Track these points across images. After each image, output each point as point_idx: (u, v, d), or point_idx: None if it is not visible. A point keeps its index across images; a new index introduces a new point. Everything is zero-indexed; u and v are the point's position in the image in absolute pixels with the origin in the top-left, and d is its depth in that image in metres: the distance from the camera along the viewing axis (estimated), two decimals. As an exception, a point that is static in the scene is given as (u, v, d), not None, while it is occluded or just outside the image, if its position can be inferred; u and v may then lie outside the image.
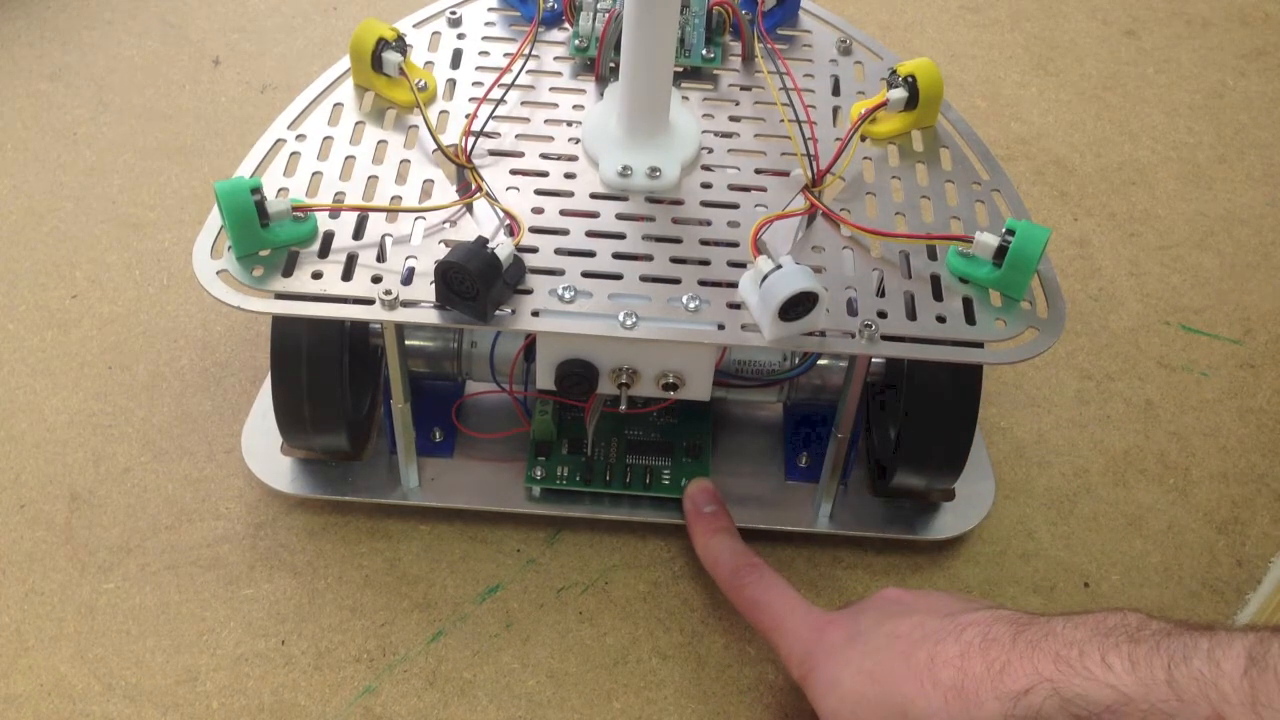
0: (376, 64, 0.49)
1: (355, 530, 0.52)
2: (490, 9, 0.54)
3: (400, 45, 0.49)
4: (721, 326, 0.42)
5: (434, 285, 0.41)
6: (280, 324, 0.46)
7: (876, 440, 0.53)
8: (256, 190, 0.42)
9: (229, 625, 0.49)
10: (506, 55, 0.51)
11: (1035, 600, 0.51)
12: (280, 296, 0.42)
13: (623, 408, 0.47)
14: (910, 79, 0.49)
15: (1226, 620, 0.51)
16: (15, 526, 0.52)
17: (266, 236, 0.43)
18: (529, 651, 0.48)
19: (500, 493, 0.51)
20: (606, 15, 0.50)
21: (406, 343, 0.49)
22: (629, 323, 0.41)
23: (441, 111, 0.49)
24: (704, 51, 0.51)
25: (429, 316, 0.42)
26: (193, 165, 0.69)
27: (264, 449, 0.52)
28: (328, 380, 0.47)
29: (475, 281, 0.40)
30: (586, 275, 0.43)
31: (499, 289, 0.41)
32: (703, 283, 0.43)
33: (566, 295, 0.42)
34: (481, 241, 0.41)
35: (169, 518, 0.52)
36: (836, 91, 0.51)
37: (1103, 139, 0.74)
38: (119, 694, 0.46)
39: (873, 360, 0.48)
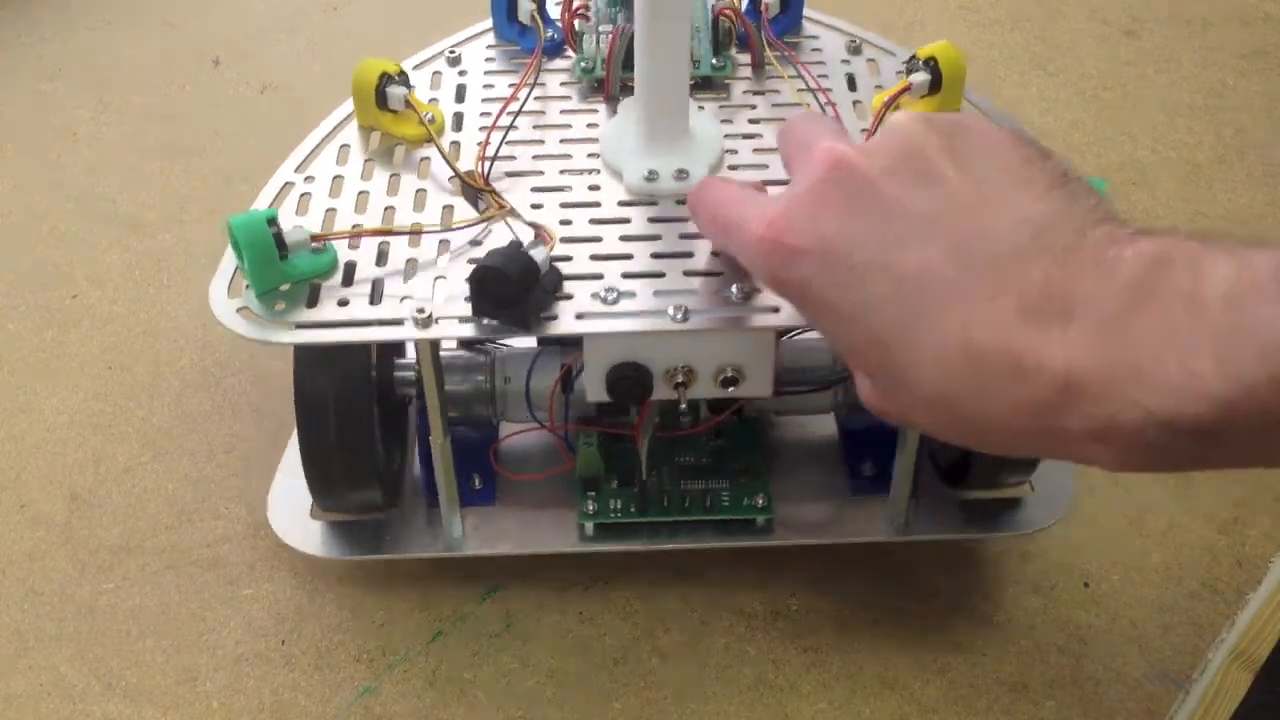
0: (381, 100, 0.47)
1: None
2: (489, 45, 0.53)
3: (404, 79, 0.48)
4: (777, 309, 0.40)
5: (469, 299, 0.40)
6: (304, 375, 0.44)
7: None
8: (273, 221, 0.40)
9: (229, 625, 0.49)
10: (511, 86, 0.50)
11: (1035, 600, 0.51)
12: (302, 326, 0.40)
13: (683, 405, 0.44)
14: (931, 61, 0.48)
15: (1226, 622, 0.51)
16: (15, 526, 0.52)
17: (286, 270, 0.41)
18: (529, 651, 0.48)
19: (551, 534, 0.49)
20: (610, 35, 0.50)
21: None
22: (679, 315, 0.40)
23: (452, 143, 0.48)
24: (713, 61, 0.51)
25: (467, 330, 0.40)
26: (193, 165, 0.69)
27: (291, 514, 0.49)
28: (358, 429, 0.45)
29: (515, 285, 0.38)
30: (627, 276, 0.41)
31: (539, 295, 0.39)
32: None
33: (610, 296, 0.40)
34: (516, 244, 0.39)
35: (169, 518, 0.52)
36: (853, 87, 0.51)
37: (1103, 139, 0.74)
38: (119, 694, 0.46)
39: None
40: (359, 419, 0.44)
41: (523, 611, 0.49)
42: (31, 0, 0.80)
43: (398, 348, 0.50)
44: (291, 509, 0.49)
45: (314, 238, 0.42)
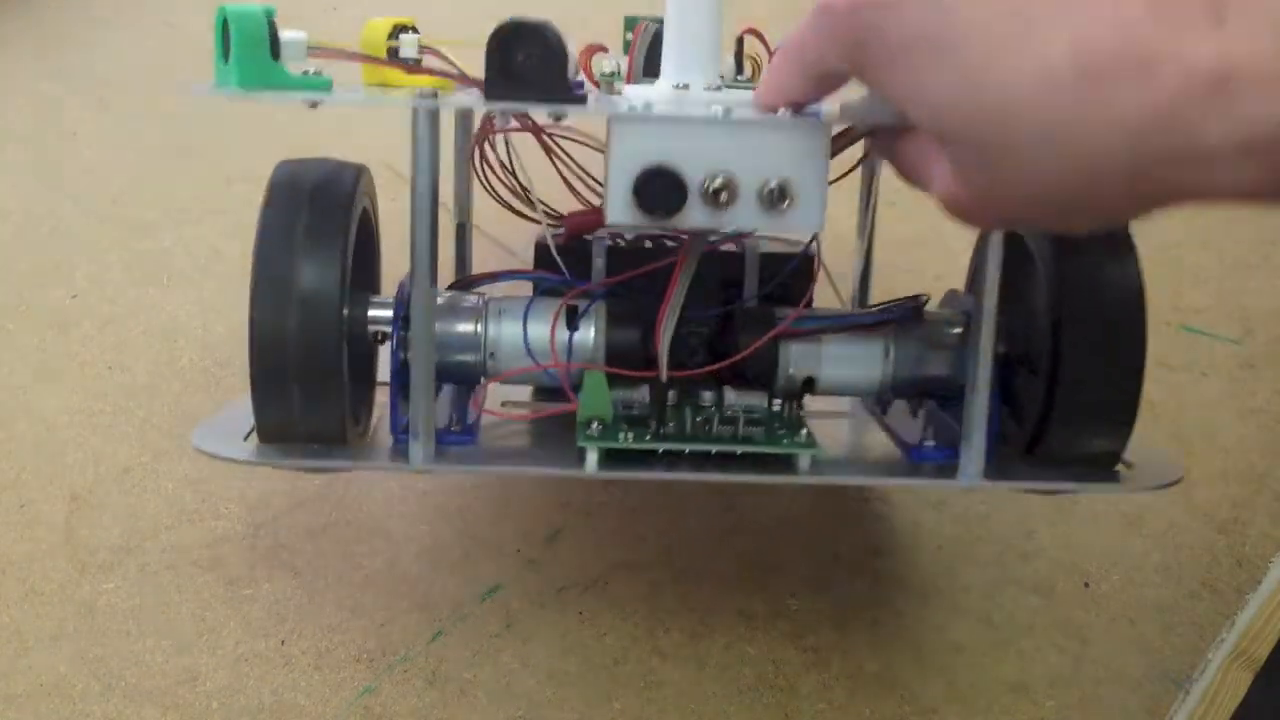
0: (393, 53, 0.42)
1: (355, 530, 0.52)
2: None
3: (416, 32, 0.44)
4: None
5: (485, 75, 0.35)
6: (264, 302, 0.38)
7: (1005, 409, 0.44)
8: (271, 20, 0.36)
9: (229, 625, 0.49)
10: None
11: (1035, 600, 0.51)
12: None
13: (723, 233, 0.38)
14: None
15: (1226, 622, 0.51)
16: (15, 526, 0.52)
17: (277, 72, 0.36)
18: (529, 651, 0.48)
19: (543, 462, 0.42)
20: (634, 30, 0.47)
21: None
22: (720, 111, 0.34)
23: None
24: (738, 76, 0.48)
25: (480, 107, 0.36)
26: (193, 165, 0.69)
27: (226, 439, 0.41)
28: (322, 354, 0.38)
29: (549, 50, 0.33)
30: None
31: (569, 74, 0.35)
32: None
33: (641, 103, 0.36)
34: (543, 20, 0.35)
35: (169, 518, 0.52)
36: None
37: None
38: (119, 694, 0.46)
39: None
40: (326, 360, 0.38)
41: (523, 611, 0.49)
42: (31, 0, 0.80)
43: (371, 280, 0.46)
44: (227, 434, 0.41)
45: (311, 50, 0.37)
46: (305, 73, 0.37)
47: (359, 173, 0.41)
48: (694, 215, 0.35)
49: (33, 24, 0.78)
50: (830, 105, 0.35)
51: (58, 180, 0.68)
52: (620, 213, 0.35)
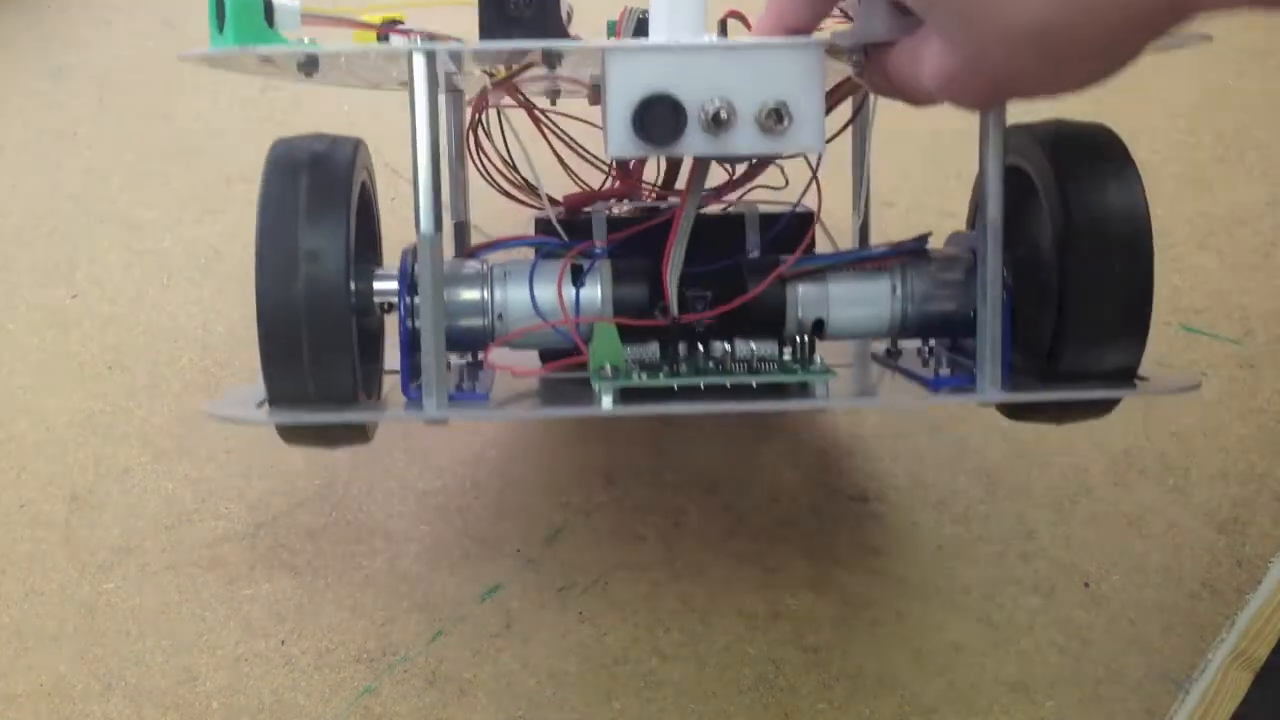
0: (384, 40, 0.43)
1: (355, 530, 0.52)
2: None
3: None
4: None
5: (480, 18, 0.36)
6: (270, 275, 0.38)
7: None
8: None
9: (229, 625, 0.49)
10: None
11: (1035, 600, 0.51)
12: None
13: (724, 156, 0.39)
14: None
15: (1226, 622, 0.51)
16: (15, 526, 0.52)
17: (271, 36, 0.37)
18: (529, 651, 0.48)
19: (557, 402, 0.42)
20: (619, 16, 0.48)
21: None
22: (715, 39, 0.36)
23: None
24: None
25: (477, 47, 0.36)
26: (193, 165, 0.69)
27: (238, 405, 0.41)
28: (331, 323, 0.38)
29: None
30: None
31: (563, 19, 0.36)
32: None
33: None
34: None
35: (169, 518, 0.52)
36: None
37: (1103, 139, 0.73)
38: (119, 694, 0.46)
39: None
40: (335, 329, 0.38)
41: (523, 611, 0.49)
42: (31, 0, 0.80)
43: (373, 254, 0.45)
44: (239, 404, 0.41)
45: (305, 16, 0.38)
46: (300, 41, 0.37)
47: (356, 144, 0.41)
48: (694, 141, 0.36)
49: (33, 24, 0.78)
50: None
51: (58, 180, 0.68)
52: (621, 144, 0.35)
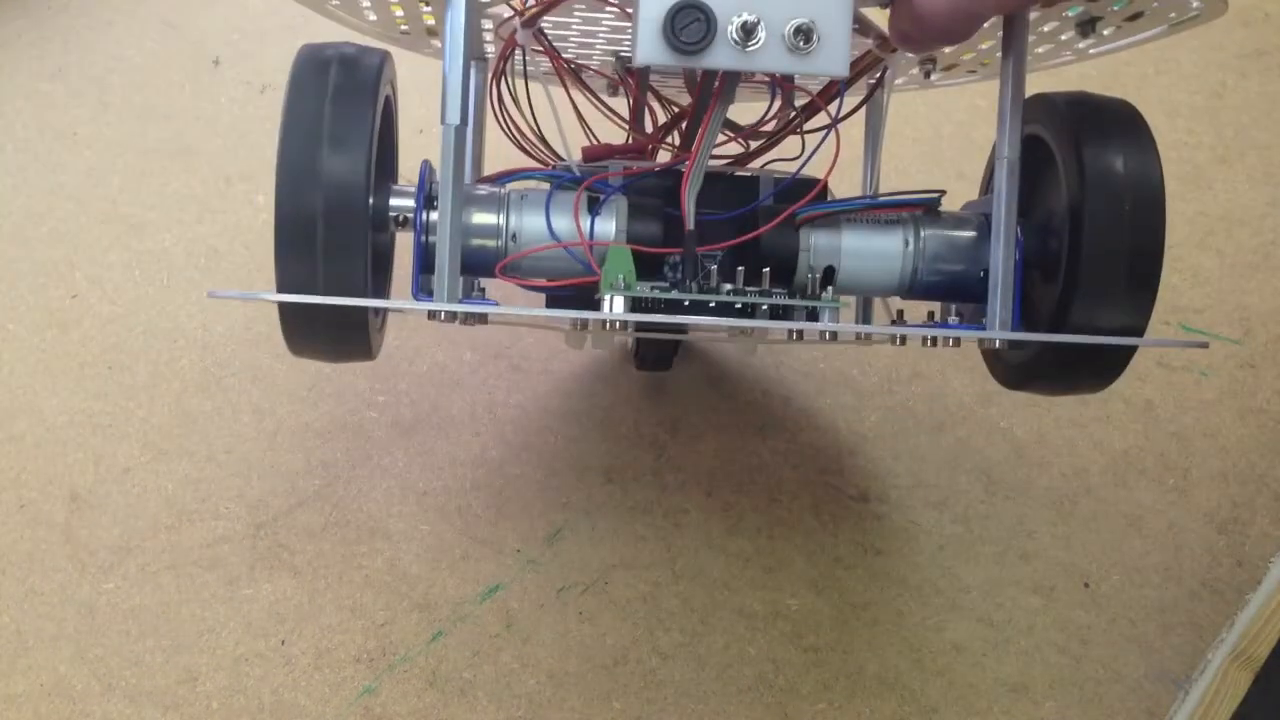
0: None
1: (355, 530, 0.52)
2: None
3: None
4: None
5: None
6: (291, 168, 0.38)
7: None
8: None
9: (229, 625, 0.49)
10: None
11: (1035, 600, 0.51)
12: None
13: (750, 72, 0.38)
14: None
15: (1226, 622, 0.51)
16: (15, 526, 0.52)
17: None
18: (529, 651, 0.48)
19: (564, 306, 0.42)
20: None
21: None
22: None
23: None
24: None
25: None
26: (193, 165, 0.69)
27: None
28: (351, 210, 0.38)
29: None
30: None
31: None
32: None
33: None
34: None
35: (169, 518, 0.52)
36: None
37: (1103, 139, 0.74)
38: (119, 694, 0.46)
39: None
40: (352, 230, 0.38)
41: (523, 611, 0.49)
42: (31, 0, 0.80)
43: (390, 169, 0.45)
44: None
45: None
46: None
47: (383, 57, 0.40)
48: (722, 54, 0.36)
49: (33, 24, 0.78)
50: None
51: (58, 180, 0.68)
52: (649, 51, 0.36)
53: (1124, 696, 0.47)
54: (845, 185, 0.49)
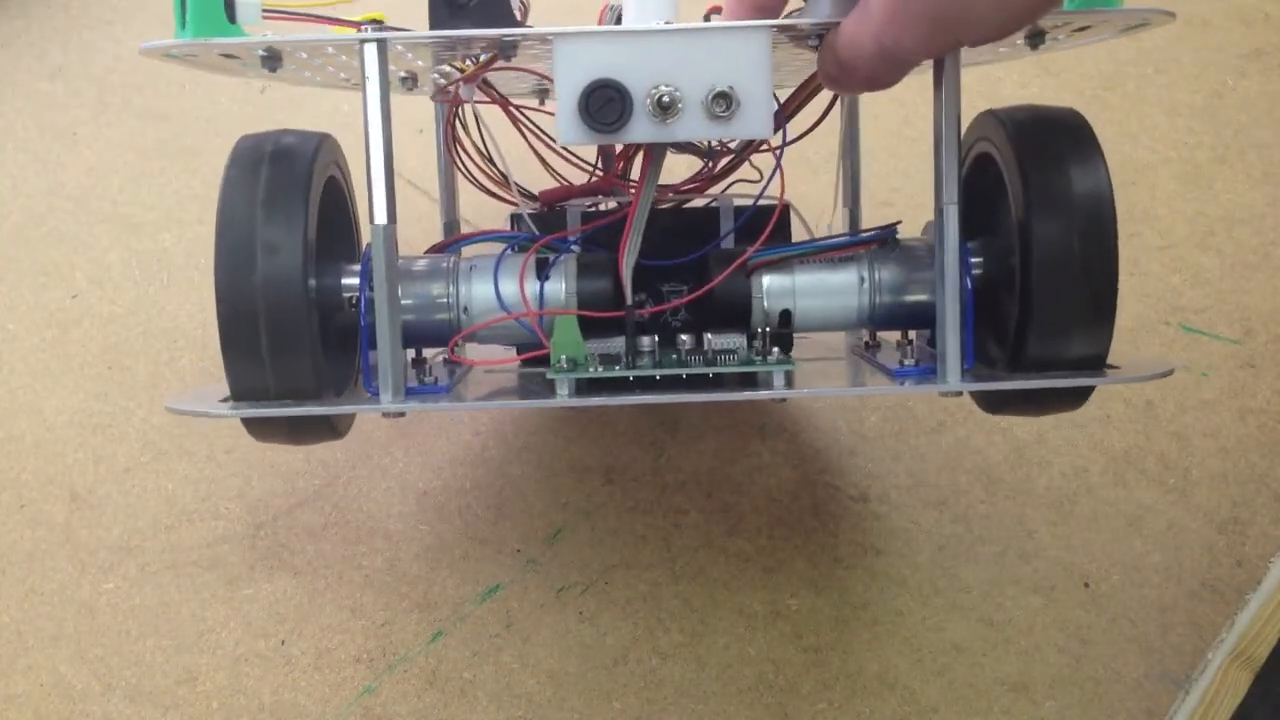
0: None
1: (355, 530, 0.52)
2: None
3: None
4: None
5: (429, 8, 0.36)
6: (228, 262, 0.37)
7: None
8: None
9: (229, 625, 0.49)
10: None
11: (1035, 600, 0.51)
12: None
13: (672, 141, 0.38)
14: None
15: (1226, 622, 0.51)
16: (15, 526, 0.52)
17: (230, 28, 0.37)
18: (529, 651, 0.48)
19: (513, 397, 0.42)
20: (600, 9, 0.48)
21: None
22: (663, 25, 0.36)
23: None
24: None
25: (425, 37, 0.36)
26: (193, 165, 0.69)
27: (197, 401, 0.41)
28: (289, 321, 0.37)
29: None
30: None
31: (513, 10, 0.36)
32: None
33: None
34: None
35: (169, 518, 0.52)
36: None
37: (1103, 139, 0.73)
38: (119, 694, 0.46)
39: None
40: (293, 327, 0.38)
41: (523, 611, 0.50)
42: (31, 0, 0.80)
43: (348, 251, 0.44)
44: (200, 400, 0.41)
45: (266, 13, 0.38)
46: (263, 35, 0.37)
47: (320, 140, 0.41)
48: (641, 128, 0.36)
49: (33, 24, 0.78)
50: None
51: (58, 180, 0.68)
52: (570, 131, 0.35)
53: (1124, 696, 0.47)
54: (832, 189, 0.49)
